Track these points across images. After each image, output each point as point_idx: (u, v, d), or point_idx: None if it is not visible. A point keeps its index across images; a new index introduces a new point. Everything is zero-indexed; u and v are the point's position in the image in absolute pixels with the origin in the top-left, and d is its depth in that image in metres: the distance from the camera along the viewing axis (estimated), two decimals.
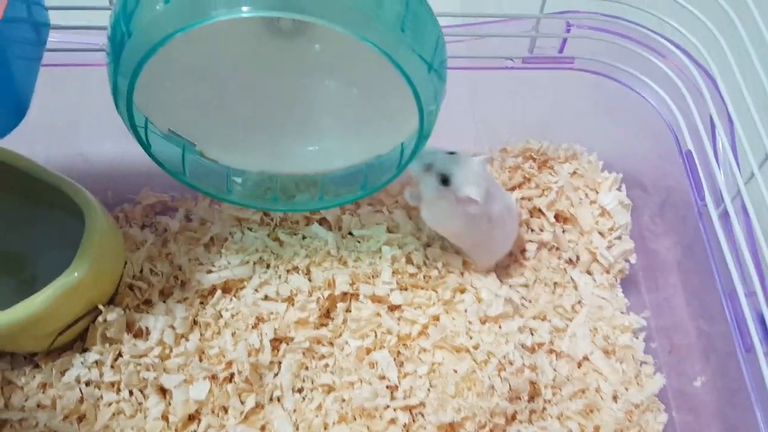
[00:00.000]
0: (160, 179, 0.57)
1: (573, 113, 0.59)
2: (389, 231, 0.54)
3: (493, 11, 0.53)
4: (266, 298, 0.51)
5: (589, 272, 0.55)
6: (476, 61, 0.54)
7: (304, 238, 0.55)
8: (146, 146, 0.44)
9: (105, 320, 0.48)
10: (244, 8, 0.36)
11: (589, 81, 0.55)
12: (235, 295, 0.52)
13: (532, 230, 0.57)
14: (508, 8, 0.71)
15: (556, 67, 0.53)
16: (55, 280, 0.44)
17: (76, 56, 0.53)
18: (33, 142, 0.59)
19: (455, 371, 0.48)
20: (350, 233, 0.55)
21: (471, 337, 0.49)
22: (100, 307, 0.48)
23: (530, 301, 0.54)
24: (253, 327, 0.50)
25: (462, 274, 0.53)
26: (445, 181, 0.48)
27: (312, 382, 0.49)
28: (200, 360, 0.48)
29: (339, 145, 0.51)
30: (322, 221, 0.56)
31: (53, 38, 0.47)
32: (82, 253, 0.45)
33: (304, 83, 0.49)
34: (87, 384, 0.47)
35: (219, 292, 0.51)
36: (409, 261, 0.53)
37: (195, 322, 0.50)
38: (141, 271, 0.52)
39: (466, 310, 0.51)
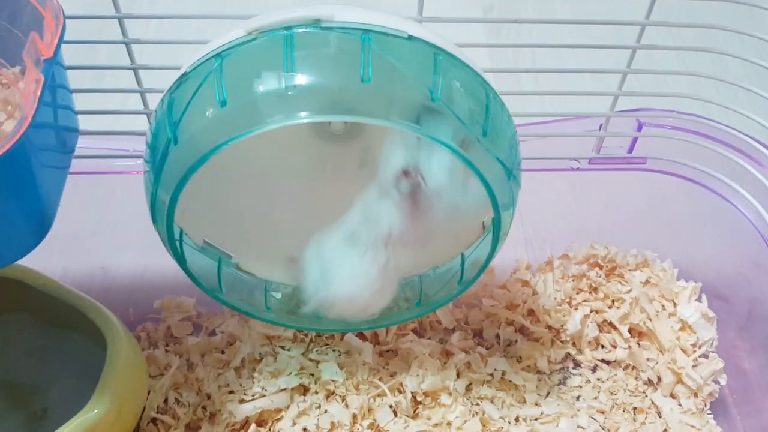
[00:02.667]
0: (186, 293, 0.52)
1: (638, 216, 0.54)
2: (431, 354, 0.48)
3: (535, 110, 0.49)
4: (305, 431, 0.45)
5: (673, 396, 0.48)
6: (534, 162, 0.50)
7: (339, 354, 0.49)
8: (182, 261, 0.39)
9: None
10: (302, 113, 0.32)
11: (656, 181, 0.51)
12: (270, 429, 0.46)
13: (603, 347, 0.51)
14: (551, 108, 0.68)
15: (626, 167, 0.49)
16: (71, 418, 0.38)
17: (96, 163, 0.50)
18: (49, 253, 0.54)
19: None
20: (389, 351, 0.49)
21: None
22: None
23: (609, 431, 0.47)
24: None
25: (524, 398, 0.47)
26: None
27: None
28: None
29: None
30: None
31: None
32: (103, 387, 0.39)
33: (352, 189, 0.45)
34: None
35: (253, 426, 0.45)
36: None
37: None
38: (165, 401, 0.46)
39: None
